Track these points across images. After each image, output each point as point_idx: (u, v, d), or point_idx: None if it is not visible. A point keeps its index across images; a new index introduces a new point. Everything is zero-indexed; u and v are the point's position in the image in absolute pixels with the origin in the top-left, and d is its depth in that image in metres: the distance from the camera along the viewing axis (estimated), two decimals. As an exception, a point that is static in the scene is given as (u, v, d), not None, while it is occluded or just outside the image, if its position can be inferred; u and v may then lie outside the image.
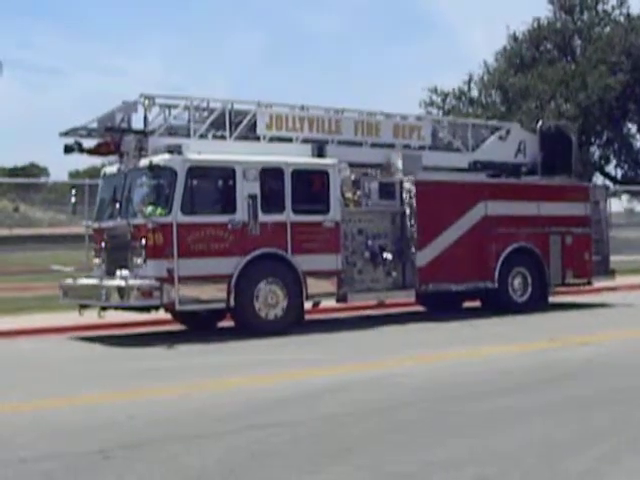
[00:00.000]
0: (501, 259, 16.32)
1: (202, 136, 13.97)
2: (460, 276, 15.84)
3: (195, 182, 13.24)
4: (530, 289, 16.76)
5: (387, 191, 15.32)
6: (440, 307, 17.08)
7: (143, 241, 12.92)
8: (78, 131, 13.71)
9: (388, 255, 15.04)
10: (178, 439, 6.63)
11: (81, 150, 13.56)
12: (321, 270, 14.15)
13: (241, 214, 13.40)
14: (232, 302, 13.25)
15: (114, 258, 13.65)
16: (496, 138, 17.47)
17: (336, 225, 14.38)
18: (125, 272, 13.00)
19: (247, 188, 13.46)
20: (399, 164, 15.59)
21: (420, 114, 16.73)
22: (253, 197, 13.49)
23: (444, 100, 43.59)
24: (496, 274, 16.23)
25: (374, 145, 15.75)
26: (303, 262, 13.90)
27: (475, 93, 44.46)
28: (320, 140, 14.99)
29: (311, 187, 14.36)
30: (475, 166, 17.03)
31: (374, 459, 5.97)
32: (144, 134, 13.46)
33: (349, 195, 14.97)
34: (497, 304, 16.48)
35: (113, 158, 14.10)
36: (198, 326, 14.84)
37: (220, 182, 13.61)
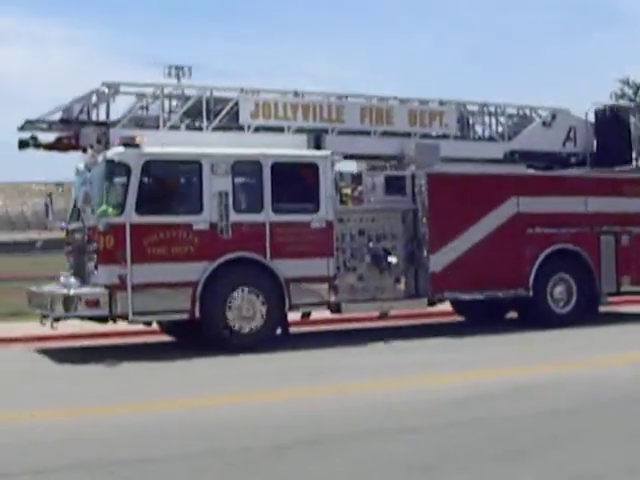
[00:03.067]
0: (537, 264, 14.09)
1: (173, 127, 12.54)
2: (484, 283, 13.71)
3: (154, 178, 11.80)
4: (575, 298, 14.43)
5: (396, 186, 13.43)
6: (480, 318, 15.06)
7: (95, 245, 11.65)
8: (36, 124, 12.53)
9: (392, 259, 13.15)
10: (353, 436, 6.75)
11: (37, 145, 12.38)
12: (308, 277, 12.42)
13: (208, 214, 11.89)
14: (197, 313, 11.77)
15: (76, 263, 12.44)
16: (539, 124, 15.21)
17: (327, 225, 12.62)
18: (71, 279, 11.74)
19: (216, 184, 11.92)
20: (412, 155, 13.70)
21: (444, 98, 14.46)
22: (223, 194, 11.95)
23: (636, 92, 40.80)
24: (530, 281, 14.01)
25: (385, 134, 13.90)
26: (286, 268, 12.23)
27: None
28: (317, 129, 13.29)
29: (297, 182, 12.68)
30: (512, 156, 14.85)
31: (554, 461, 5.95)
32: (106, 126, 12.17)
33: (347, 191, 13.19)
34: (534, 315, 14.28)
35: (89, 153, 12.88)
36: (185, 336, 13.44)
37: (184, 178, 12.15)
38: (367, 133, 13.73)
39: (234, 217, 12.02)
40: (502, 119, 15.00)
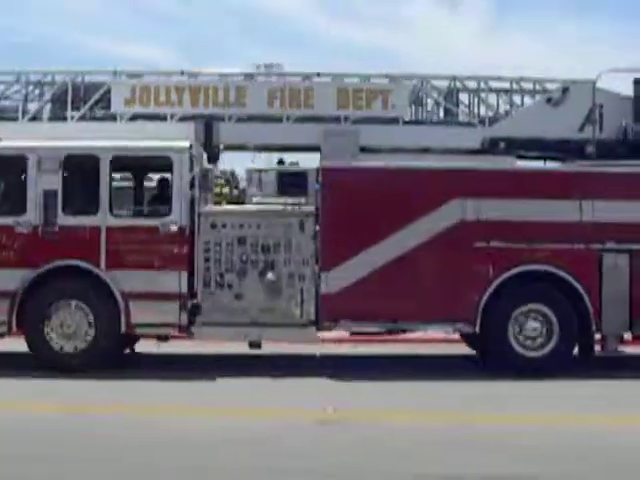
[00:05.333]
0: (490, 290, 10.48)
1: (35, 118, 11.27)
2: (402, 313, 10.54)
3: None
4: (556, 338, 10.58)
5: (292, 185, 10.86)
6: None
7: None
8: None
9: (271, 275, 10.60)
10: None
11: None
12: (154, 292, 10.40)
13: (32, 215, 10.45)
14: (14, 326, 10.43)
15: None
16: (541, 103, 11.41)
17: (180, 231, 10.48)
18: None
19: (43, 182, 10.43)
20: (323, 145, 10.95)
21: (393, 72, 11.34)
22: (51, 193, 10.43)
23: None
24: (478, 313, 10.48)
25: (304, 120, 11.28)
26: (125, 280, 10.37)
27: None
28: (209, 116, 11.15)
29: (144, 180, 10.75)
30: (494, 146, 11.27)
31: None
32: None
33: (224, 190, 10.90)
34: (489, 357, 10.74)
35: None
36: None
37: (9, 175, 10.80)
38: (278, 119, 11.26)
39: (63, 220, 10.44)
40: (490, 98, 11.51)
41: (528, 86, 11.77)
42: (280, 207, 10.78)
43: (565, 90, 11.34)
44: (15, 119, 11.24)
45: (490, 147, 11.23)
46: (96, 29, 40.44)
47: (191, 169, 10.58)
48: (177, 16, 40.59)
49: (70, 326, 10.41)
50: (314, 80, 11.41)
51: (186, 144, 10.60)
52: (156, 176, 10.86)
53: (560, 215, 10.56)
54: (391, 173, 10.69)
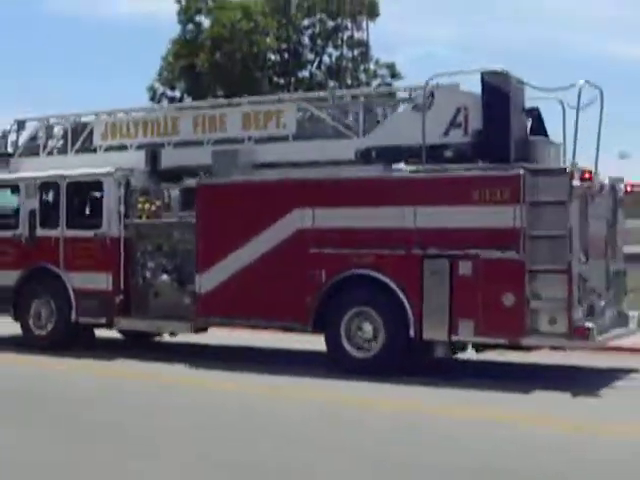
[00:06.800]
0: (322, 292, 11.15)
1: (50, 153, 14.44)
2: (256, 311, 11.64)
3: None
4: (381, 340, 10.85)
5: (192, 200, 12.53)
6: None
7: None
8: None
9: (163, 277, 12.49)
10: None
11: None
12: (92, 290, 13.03)
13: (22, 229, 13.69)
14: (13, 315, 13.77)
15: None
16: (407, 110, 11.44)
17: (108, 240, 12.90)
18: None
19: (28, 204, 13.66)
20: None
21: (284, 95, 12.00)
22: (32, 212, 13.59)
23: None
24: (311, 313, 11.20)
25: (221, 142, 12.80)
26: (75, 279, 13.18)
27: None
28: (154, 144, 13.32)
29: (86, 200, 13.40)
30: (367, 155, 11.62)
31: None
32: (9, 156, 14.82)
33: (146, 206, 12.92)
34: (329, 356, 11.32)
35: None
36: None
37: (12, 199, 14.08)
38: (200, 143, 12.99)
39: (40, 232, 13.54)
40: (356, 109, 11.86)
41: (405, 95, 11.81)
42: (179, 220, 12.65)
43: (431, 96, 11.24)
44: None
45: (363, 157, 11.63)
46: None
47: (118, 189, 13.00)
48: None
49: (42, 315, 13.51)
50: (224, 108, 12.99)
51: (111, 170, 13.02)
52: (96, 195, 13.39)
53: (383, 221, 10.86)
54: (247, 187, 11.95)
